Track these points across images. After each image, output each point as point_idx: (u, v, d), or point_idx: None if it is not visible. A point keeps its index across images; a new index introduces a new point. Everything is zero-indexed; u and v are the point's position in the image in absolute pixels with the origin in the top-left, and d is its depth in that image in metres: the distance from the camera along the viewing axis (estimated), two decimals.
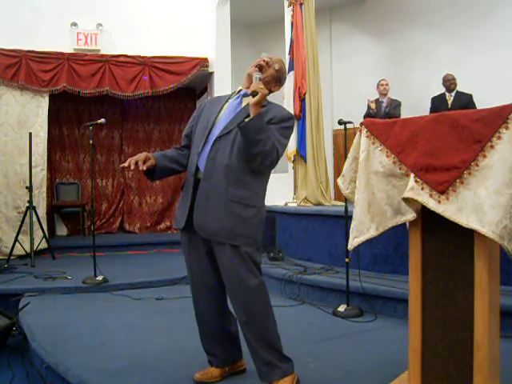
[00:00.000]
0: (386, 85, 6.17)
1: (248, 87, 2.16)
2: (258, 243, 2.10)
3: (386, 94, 6.15)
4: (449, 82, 5.91)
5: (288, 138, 2.15)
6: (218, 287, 2.19)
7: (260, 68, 2.14)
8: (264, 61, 2.15)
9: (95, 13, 6.30)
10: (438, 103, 5.96)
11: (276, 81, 2.22)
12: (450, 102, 5.92)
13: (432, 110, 5.96)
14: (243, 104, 2.16)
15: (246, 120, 1.97)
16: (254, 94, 1.95)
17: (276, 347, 2.09)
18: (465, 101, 5.77)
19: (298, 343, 2.75)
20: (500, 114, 1.61)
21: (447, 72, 5.97)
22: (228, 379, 2.28)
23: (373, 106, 5.92)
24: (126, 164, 2.02)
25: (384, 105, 6.02)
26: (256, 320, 2.07)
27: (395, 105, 6.03)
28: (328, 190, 5.61)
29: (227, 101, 2.21)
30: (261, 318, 2.08)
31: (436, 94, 6.06)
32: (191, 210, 2.09)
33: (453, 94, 5.93)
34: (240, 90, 2.21)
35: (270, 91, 2.19)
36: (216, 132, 2.11)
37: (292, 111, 5.34)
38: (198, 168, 2.11)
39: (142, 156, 2.06)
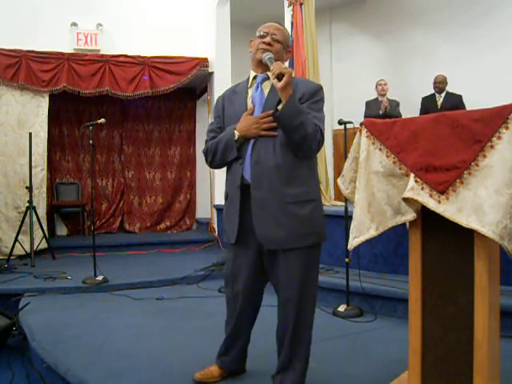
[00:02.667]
0: (385, 85, 6.18)
1: (263, 71, 2.05)
2: (324, 237, 2.03)
3: (384, 95, 6.16)
4: (435, 85, 5.95)
5: (323, 110, 2.01)
6: (261, 292, 2.19)
7: (267, 50, 2.00)
8: (265, 43, 2.01)
9: (95, 13, 6.30)
10: (428, 103, 5.99)
11: (285, 50, 2.09)
12: (439, 102, 5.95)
13: (422, 110, 6.00)
14: (266, 91, 2.03)
15: (280, 107, 1.84)
16: (279, 77, 1.81)
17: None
18: (454, 102, 5.78)
19: None
20: (500, 114, 1.61)
21: (447, 72, 5.97)
22: (228, 379, 2.28)
23: (387, 104, 5.93)
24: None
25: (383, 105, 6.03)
26: (302, 328, 2.06)
27: (395, 105, 6.04)
28: (328, 190, 5.60)
29: (247, 92, 2.08)
30: (307, 326, 2.09)
31: (426, 95, 6.09)
32: (240, 221, 1.99)
33: (442, 95, 5.96)
34: (255, 77, 2.08)
35: (284, 60, 2.08)
36: None
37: None
38: (243, 176, 1.98)
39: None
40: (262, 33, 2.06)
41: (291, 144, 1.90)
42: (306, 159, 1.98)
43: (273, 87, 1.98)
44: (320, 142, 1.93)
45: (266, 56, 1.96)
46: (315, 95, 1.97)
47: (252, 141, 1.97)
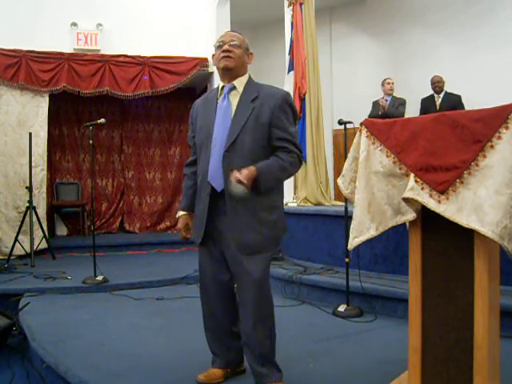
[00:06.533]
0: (392, 83, 6.10)
1: (229, 81, 2.09)
2: (281, 240, 2.17)
3: (391, 94, 6.11)
4: (433, 85, 5.96)
5: (292, 117, 2.09)
6: (231, 286, 2.21)
7: (228, 56, 2.06)
8: (224, 51, 2.07)
9: (95, 13, 6.29)
10: (427, 104, 5.99)
11: (246, 53, 2.14)
12: (438, 103, 5.95)
13: (421, 112, 5.99)
14: (233, 101, 2.08)
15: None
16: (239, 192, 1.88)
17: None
18: (453, 102, 5.79)
19: (297, 343, 2.75)
20: (500, 114, 1.61)
21: (447, 72, 5.98)
22: (229, 379, 2.28)
23: (384, 104, 5.90)
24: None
25: (388, 104, 6.00)
26: (264, 323, 2.08)
27: (398, 104, 5.98)
28: (328, 190, 5.60)
29: (217, 103, 2.12)
30: (269, 321, 2.11)
31: (426, 96, 6.09)
32: (208, 223, 2.10)
33: (441, 95, 5.97)
34: (223, 87, 2.12)
35: (247, 63, 2.14)
36: (219, 144, 2.04)
37: None
38: (212, 186, 2.07)
39: (182, 229, 2.24)
40: (219, 43, 2.11)
41: None
42: None
43: (241, 100, 2.06)
44: (300, 160, 2.09)
45: (233, 190, 1.92)
46: (285, 106, 2.05)
47: (221, 154, 2.02)
